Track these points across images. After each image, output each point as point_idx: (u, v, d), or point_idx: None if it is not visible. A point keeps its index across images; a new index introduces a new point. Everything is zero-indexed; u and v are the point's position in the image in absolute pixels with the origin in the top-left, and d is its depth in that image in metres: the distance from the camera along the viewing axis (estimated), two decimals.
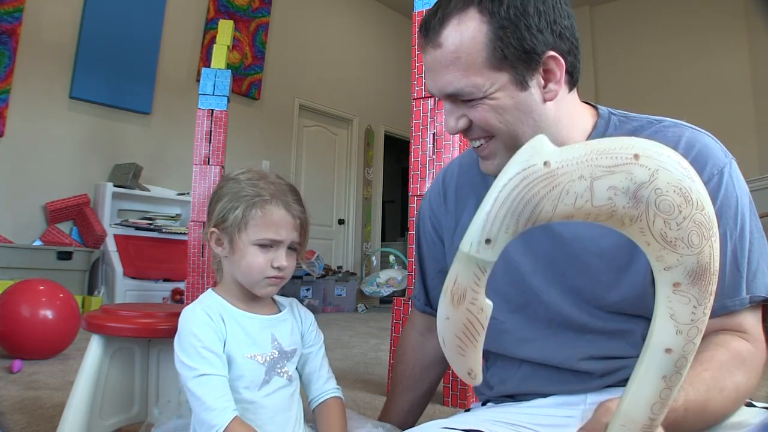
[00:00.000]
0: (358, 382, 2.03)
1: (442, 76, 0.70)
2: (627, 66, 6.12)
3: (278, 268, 0.87)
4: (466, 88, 0.68)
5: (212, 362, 0.83)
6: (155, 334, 1.18)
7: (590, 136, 0.75)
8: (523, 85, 0.69)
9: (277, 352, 0.90)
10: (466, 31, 0.67)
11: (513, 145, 0.71)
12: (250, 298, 0.92)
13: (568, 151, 0.39)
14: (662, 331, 0.42)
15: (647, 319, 0.71)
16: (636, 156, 0.38)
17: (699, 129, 0.72)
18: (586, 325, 0.73)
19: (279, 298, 0.98)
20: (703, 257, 0.40)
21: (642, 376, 0.43)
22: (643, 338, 0.70)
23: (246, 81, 5.17)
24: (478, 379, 0.45)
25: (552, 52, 0.69)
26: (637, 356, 0.70)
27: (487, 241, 0.39)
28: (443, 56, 0.69)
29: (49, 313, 2.26)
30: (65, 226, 3.91)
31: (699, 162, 0.66)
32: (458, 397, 1.70)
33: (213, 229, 0.92)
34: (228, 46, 3.30)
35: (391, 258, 5.66)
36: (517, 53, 0.67)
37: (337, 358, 2.51)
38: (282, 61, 5.56)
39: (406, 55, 1.76)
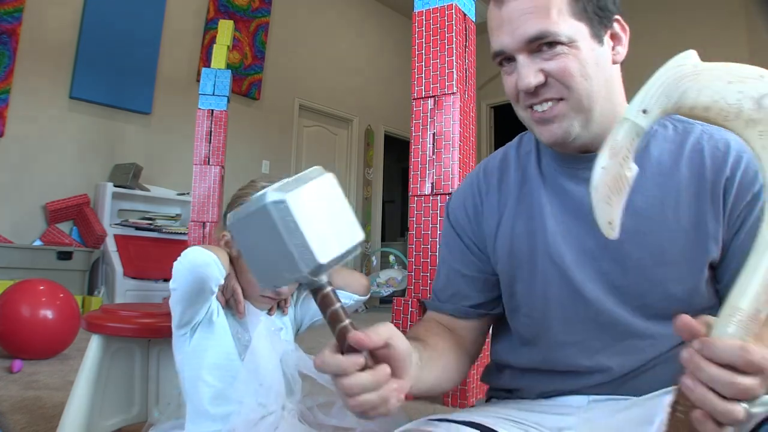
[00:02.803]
0: None
1: (523, 22, 0.68)
2: (627, 66, 6.10)
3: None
4: (552, 28, 0.67)
5: None
6: (155, 334, 1.18)
7: None
8: (599, 39, 0.70)
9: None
10: None
11: (582, 107, 0.70)
12: (246, 295, 0.94)
13: (710, 63, 0.51)
14: None
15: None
16: (761, 76, 0.49)
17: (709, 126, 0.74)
18: (628, 327, 0.71)
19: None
20: None
21: (750, 266, 0.48)
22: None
23: (246, 81, 5.17)
24: (616, 232, 0.52)
25: (618, 17, 0.73)
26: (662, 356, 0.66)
27: (644, 111, 0.50)
28: (525, 4, 0.69)
29: (49, 313, 2.26)
30: (65, 226, 3.91)
31: (750, 168, 0.69)
32: (458, 397, 1.70)
33: (225, 233, 0.94)
34: (228, 46, 3.30)
35: (391, 258, 5.66)
36: (593, 7, 0.69)
37: None
38: (282, 61, 5.56)
39: (406, 55, 1.77)
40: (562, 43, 0.68)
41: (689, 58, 0.51)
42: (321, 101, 6.00)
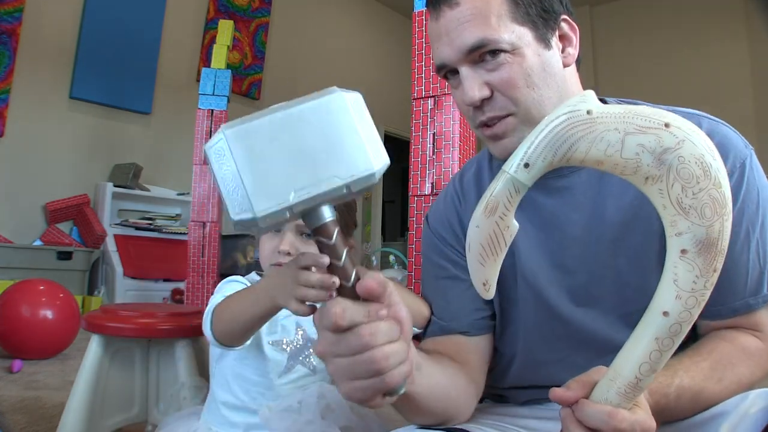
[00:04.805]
0: None
1: (462, 32, 0.64)
2: (627, 66, 6.12)
3: (280, 253, 0.85)
4: (492, 35, 0.63)
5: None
6: (155, 334, 1.18)
7: None
8: (545, 42, 0.66)
9: (301, 340, 0.89)
10: None
11: (532, 119, 0.65)
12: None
13: (609, 107, 0.44)
14: (663, 294, 0.44)
15: None
16: (667, 125, 0.43)
17: (716, 119, 0.68)
18: (611, 341, 0.66)
19: None
20: (712, 231, 0.43)
21: (637, 335, 0.46)
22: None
23: (246, 81, 5.17)
24: (491, 293, 0.48)
25: (566, 16, 0.68)
26: None
27: (526, 165, 0.45)
28: (461, 13, 0.64)
29: (49, 313, 2.26)
30: (65, 226, 3.91)
31: (720, 154, 0.64)
32: None
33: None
34: (228, 46, 3.29)
35: (391, 258, 5.66)
36: (537, 10, 0.65)
37: None
38: (282, 61, 5.56)
39: (406, 55, 1.76)
40: (504, 51, 0.64)
41: (585, 102, 0.44)
42: None
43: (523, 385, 0.77)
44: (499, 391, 0.81)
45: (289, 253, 0.85)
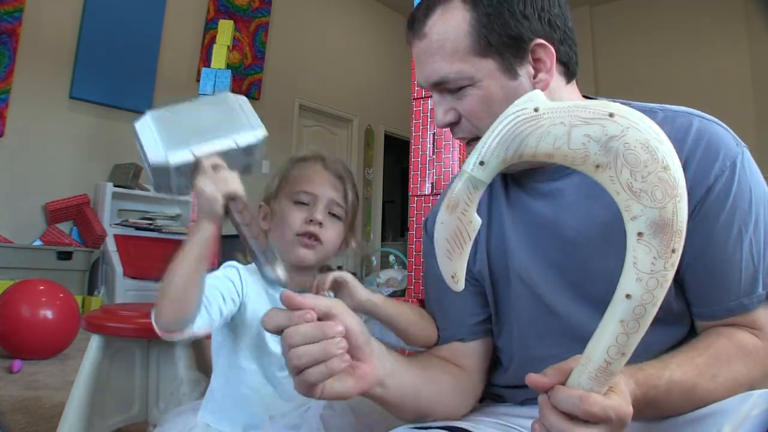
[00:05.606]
0: None
1: (427, 65, 0.69)
2: (627, 66, 6.12)
3: (311, 222, 0.83)
4: (450, 75, 0.67)
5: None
6: (155, 334, 1.17)
7: None
8: (511, 73, 0.67)
9: None
10: (450, 20, 0.67)
11: None
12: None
13: (555, 103, 0.46)
14: (625, 278, 0.46)
15: (671, 325, 0.66)
16: (611, 114, 0.44)
17: (708, 117, 0.68)
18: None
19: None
20: (665, 212, 0.44)
21: (605, 320, 0.48)
22: (665, 347, 0.64)
23: (246, 81, 5.17)
24: (460, 285, 0.51)
25: (540, 40, 0.66)
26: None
27: (482, 163, 0.47)
28: (428, 46, 0.69)
29: (49, 313, 2.26)
30: (65, 226, 3.91)
31: (710, 152, 0.63)
32: None
33: (261, 203, 0.91)
34: (228, 46, 3.30)
35: (391, 258, 5.66)
36: (502, 40, 0.66)
37: None
38: (282, 61, 5.56)
39: (406, 55, 1.76)
40: (464, 85, 0.67)
41: (532, 101, 0.47)
42: (321, 101, 5.99)
43: (520, 384, 0.76)
44: (498, 390, 0.81)
45: (321, 224, 0.84)
